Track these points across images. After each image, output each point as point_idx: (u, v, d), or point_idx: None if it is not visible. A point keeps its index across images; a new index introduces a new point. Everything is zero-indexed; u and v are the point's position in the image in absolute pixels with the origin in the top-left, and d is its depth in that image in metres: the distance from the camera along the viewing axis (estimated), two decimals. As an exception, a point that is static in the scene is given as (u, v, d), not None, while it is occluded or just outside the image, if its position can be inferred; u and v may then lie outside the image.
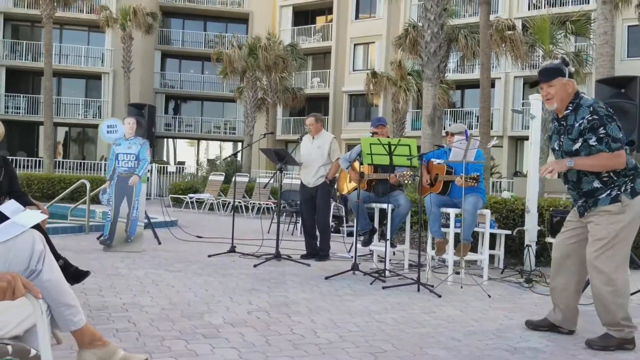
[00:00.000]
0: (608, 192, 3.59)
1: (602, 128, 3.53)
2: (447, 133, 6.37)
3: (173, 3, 34.79)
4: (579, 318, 3.96)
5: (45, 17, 20.85)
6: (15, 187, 4.22)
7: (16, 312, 1.95)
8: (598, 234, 3.59)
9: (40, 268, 2.18)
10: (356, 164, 6.53)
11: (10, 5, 29.91)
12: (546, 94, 3.73)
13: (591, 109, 3.59)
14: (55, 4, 21.11)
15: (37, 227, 3.73)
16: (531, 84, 4.08)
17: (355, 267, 5.96)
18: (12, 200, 3.73)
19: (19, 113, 30.20)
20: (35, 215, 2.51)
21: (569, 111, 3.68)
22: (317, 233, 7.27)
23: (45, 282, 2.18)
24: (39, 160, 23.35)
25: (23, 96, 30.39)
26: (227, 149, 35.58)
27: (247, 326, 3.80)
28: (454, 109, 27.40)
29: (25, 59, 30.55)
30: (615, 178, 3.59)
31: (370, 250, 7.07)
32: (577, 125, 3.61)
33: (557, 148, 3.76)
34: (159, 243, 7.96)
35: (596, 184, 3.63)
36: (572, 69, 3.86)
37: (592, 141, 3.55)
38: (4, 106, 29.85)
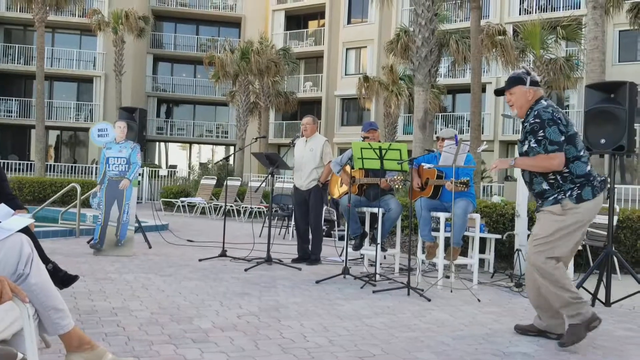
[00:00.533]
0: (555, 195, 3.78)
1: (541, 131, 3.73)
2: (437, 138, 6.41)
3: (165, 7, 34.76)
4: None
5: (38, 21, 20.78)
6: (5, 190, 4.21)
7: (3, 316, 1.95)
8: (537, 231, 3.82)
9: (28, 272, 2.18)
10: (347, 168, 6.55)
11: (3, 9, 29.82)
12: (508, 101, 4.02)
13: (536, 112, 3.81)
14: (48, 8, 21.04)
15: (26, 230, 3.73)
16: (496, 92, 4.34)
17: (346, 271, 5.97)
18: (2, 205, 3.73)
19: (11, 116, 30.06)
20: (22, 220, 2.51)
21: (527, 117, 3.92)
22: (310, 237, 7.28)
23: (32, 285, 2.18)
24: (31, 164, 23.23)
25: (15, 99, 30.25)
26: (219, 152, 35.53)
27: (237, 330, 3.80)
28: (445, 114, 27.51)
29: (17, 62, 30.43)
30: (561, 182, 3.77)
31: (361, 254, 7.09)
32: (525, 127, 3.88)
33: (523, 150, 3.95)
34: (150, 247, 7.94)
35: (544, 186, 3.82)
36: (538, 78, 4.04)
37: (532, 143, 3.78)
38: (-6, 109, 29.72)
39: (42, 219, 9.67)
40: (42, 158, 20.75)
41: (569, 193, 3.74)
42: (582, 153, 3.81)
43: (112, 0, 29.78)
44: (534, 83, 3.95)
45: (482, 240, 7.11)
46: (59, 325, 2.32)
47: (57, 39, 31.43)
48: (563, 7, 25.05)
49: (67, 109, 30.89)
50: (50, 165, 25.45)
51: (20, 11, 27.93)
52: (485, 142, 9.44)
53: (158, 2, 34.82)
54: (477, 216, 6.13)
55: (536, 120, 3.78)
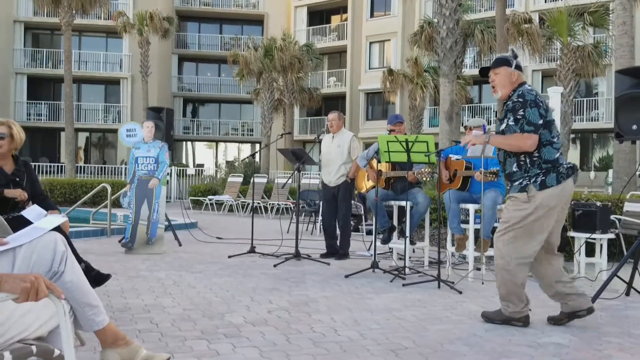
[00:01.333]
0: (520, 180, 3.83)
1: (521, 110, 3.75)
2: (465, 128, 6.33)
3: (189, 7, 35.04)
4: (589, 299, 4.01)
5: (65, 25, 21.12)
6: (37, 190, 4.29)
7: (40, 313, 1.98)
8: (504, 217, 3.92)
9: (63, 269, 2.22)
10: (374, 162, 6.52)
11: (30, 14, 30.39)
12: (492, 80, 4.02)
13: (520, 92, 3.84)
14: (74, 12, 21.37)
15: (60, 230, 3.80)
16: (480, 71, 4.22)
17: (375, 265, 5.95)
18: (35, 206, 3.80)
19: (41, 120, 30.66)
20: (55, 219, 2.55)
21: (509, 97, 3.94)
22: (337, 232, 7.27)
23: (67, 283, 2.22)
24: (61, 166, 23.67)
25: (44, 103, 30.85)
26: (245, 150, 35.73)
27: (268, 325, 3.82)
28: (471, 105, 27.21)
29: (45, 67, 31.00)
30: (529, 166, 3.80)
31: (390, 248, 7.05)
32: (506, 107, 3.89)
33: (501, 128, 3.98)
34: (180, 245, 8.02)
35: (514, 167, 3.86)
36: (522, 64, 4.07)
37: (510, 121, 3.80)
38: (26, 113, 30.32)
39: (73, 220, 9.82)
40: (72, 160, 21.12)
41: (533, 179, 3.77)
42: (555, 139, 3.83)
43: (136, 2, 30.14)
44: (519, 67, 3.99)
45: (513, 232, 7.02)
46: (94, 322, 2.36)
47: (84, 42, 31.93)
48: (590, -8, 24.54)
49: (95, 111, 31.40)
50: (80, 166, 25.93)
51: (47, 16, 28.45)
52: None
53: (182, 3, 35.11)
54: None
55: (519, 99, 3.80)
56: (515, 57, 4.01)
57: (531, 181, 3.77)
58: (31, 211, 3.70)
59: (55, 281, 2.19)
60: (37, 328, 1.98)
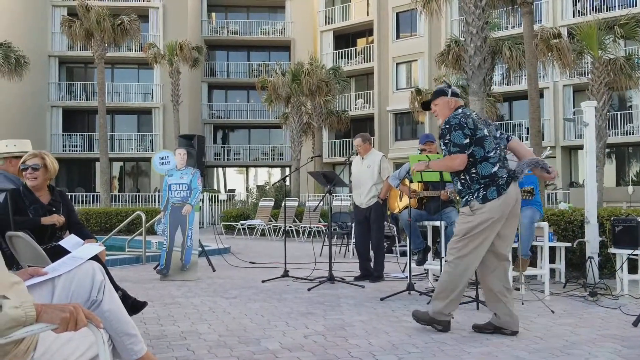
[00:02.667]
0: (466, 196, 4.14)
1: (448, 135, 4.11)
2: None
3: (217, 36, 35.72)
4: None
5: (97, 58, 21.71)
6: (74, 219, 4.35)
7: (79, 343, 1.99)
8: (455, 230, 4.22)
9: (101, 298, 2.23)
10: (406, 182, 6.46)
11: (65, 49, 31.33)
12: (433, 111, 4.45)
13: (447, 119, 4.20)
14: (106, 45, 21.96)
15: (97, 259, 3.83)
16: (422, 105, 4.71)
17: (410, 287, 5.86)
18: (72, 235, 3.85)
19: (76, 151, 31.39)
20: (93, 248, 2.57)
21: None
22: (371, 254, 7.20)
23: (105, 312, 2.22)
24: (96, 195, 24.12)
25: (79, 134, 31.60)
26: (276, 174, 35.93)
27: (304, 350, 3.77)
28: (502, 122, 26.93)
29: (80, 99, 31.83)
30: (470, 182, 4.12)
31: (425, 269, 6.94)
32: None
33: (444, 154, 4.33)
34: (214, 270, 8.04)
35: (459, 186, 4.22)
36: (458, 90, 4.46)
37: (442, 146, 4.21)
38: (61, 145, 31.09)
39: (109, 248, 9.97)
40: (107, 189, 21.51)
41: (475, 194, 4.07)
42: (490, 154, 4.08)
43: (166, 33, 30.85)
44: (455, 94, 4.37)
45: (552, 250, 6.85)
46: (132, 351, 2.35)
47: (116, 73, 32.73)
48: (619, 5, 24.20)
49: (128, 140, 32.02)
50: (115, 195, 26.38)
51: (80, 50, 29.28)
52: (548, 148, 9.16)
53: (210, 32, 35.83)
54: (545, 225, 5.91)
55: (445, 126, 4.16)
56: (449, 86, 4.42)
57: (474, 196, 4.07)
58: (68, 240, 3.75)
59: (93, 310, 2.20)
60: (77, 358, 1.98)
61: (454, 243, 4.15)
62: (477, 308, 5.10)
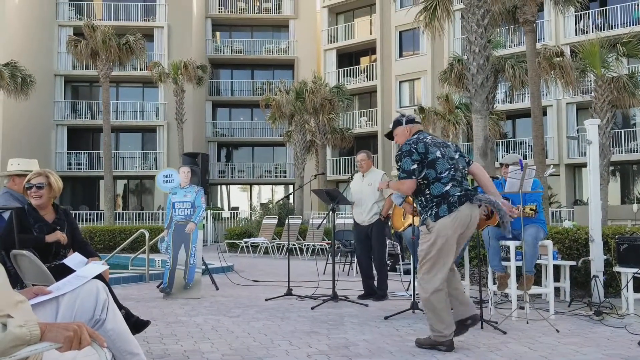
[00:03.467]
0: (423, 215, 4.38)
1: (399, 161, 4.43)
2: (501, 164, 6.25)
3: (221, 55, 36.01)
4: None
5: (102, 77, 21.89)
6: (78, 238, 4.36)
7: (83, 362, 1.99)
8: (418, 251, 4.41)
9: (105, 317, 2.23)
10: (409, 200, 6.45)
11: (70, 68, 31.62)
12: (395, 141, 4.74)
13: (400, 146, 4.53)
14: (111, 64, 22.15)
15: (100, 278, 3.84)
16: (386, 136, 5.03)
17: (414, 306, 5.84)
18: (76, 254, 3.86)
19: (81, 169, 31.51)
20: (97, 267, 2.57)
21: None
22: (374, 272, 7.17)
23: (109, 330, 2.22)
24: (100, 213, 24.16)
25: (84, 152, 31.74)
26: (279, 192, 35.97)
27: (308, 370, 3.75)
28: (506, 140, 26.97)
29: (85, 117, 32.03)
30: (425, 202, 4.38)
31: (429, 288, 6.90)
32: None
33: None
34: (217, 289, 8.02)
35: (418, 207, 4.50)
36: (414, 117, 4.77)
37: (397, 170, 4.48)
38: (66, 163, 31.22)
39: (113, 266, 9.97)
40: (111, 207, 21.54)
41: (429, 212, 4.31)
42: (443, 175, 4.31)
43: (171, 52, 31.12)
44: (410, 121, 4.68)
45: (556, 268, 6.83)
46: (136, 370, 2.35)
47: (121, 92, 32.97)
48: (621, 24, 24.35)
49: (132, 158, 32.15)
50: (119, 213, 26.40)
51: (85, 69, 29.55)
52: (551, 166, 9.16)
53: (214, 51, 36.13)
54: (549, 243, 5.89)
55: (398, 152, 4.48)
56: (403, 116, 4.74)
57: (428, 214, 4.31)
58: (72, 259, 3.76)
59: (97, 329, 2.20)
60: (80, 377, 1.98)
61: (421, 266, 4.35)
62: (482, 327, 5.06)
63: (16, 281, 3.82)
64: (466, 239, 4.50)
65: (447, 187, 4.28)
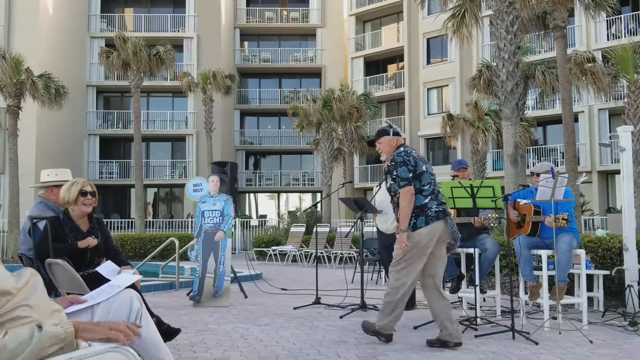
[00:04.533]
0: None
1: (395, 171, 4.74)
2: (532, 173, 6.17)
3: (249, 64, 36.35)
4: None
5: (134, 87, 22.27)
6: (110, 246, 4.45)
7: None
8: (394, 254, 4.75)
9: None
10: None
11: (102, 78, 32.26)
12: (378, 149, 5.06)
13: (393, 157, 4.83)
14: (142, 75, 22.52)
15: (133, 286, 3.89)
16: (368, 144, 4.78)
17: (444, 315, 5.76)
18: (108, 262, 3.93)
19: (112, 177, 32.05)
20: (130, 277, 2.62)
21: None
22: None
23: (142, 339, 2.26)
24: (131, 221, 24.51)
25: (115, 161, 32.29)
26: (307, 200, 36.03)
27: (337, 379, 3.74)
28: (536, 147, 26.59)
29: (116, 127, 32.61)
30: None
31: (459, 298, 6.84)
32: (387, 170, 4.88)
33: (387, 186, 4.93)
34: (245, 297, 8.06)
35: (397, 216, 4.77)
36: (399, 129, 5.09)
37: (390, 180, 4.80)
38: (98, 172, 31.80)
39: (143, 274, 10.07)
40: (142, 215, 21.84)
41: (409, 222, 4.63)
42: (425, 188, 4.71)
43: (200, 62, 31.52)
44: (396, 133, 5.00)
45: (589, 277, 6.70)
46: (167, 378, 2.37)
47: (152, 102, 33.49)
48: (655, 27, 23.86)
49: (162, 167, 32.59)
50: (149, 221, 26.74)
51: (117, 79, 30.10)
52: (584, 174, 9.00)
53: (243, 60, 36.49)
54: (582, 252, 5.78)
55: (392, 162, 4.79)
56: (390, 126, 5.02)
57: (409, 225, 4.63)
58: (105, 267, 3.82)
59: (130, 337, 2.23)
60: (113, 385, 2.01)
61: (392, 267, 4.73)
62: (513, 337, 4.99)
63: (50, 289, 3.90)
64: (442, 253, 4.79)
65: (427, 200, 4.68)
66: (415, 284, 4.85)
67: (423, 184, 4.71)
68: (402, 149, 4.89)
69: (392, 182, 4.78)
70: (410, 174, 4.69)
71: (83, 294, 3.42)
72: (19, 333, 1.69)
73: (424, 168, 4.76)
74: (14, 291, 1.83)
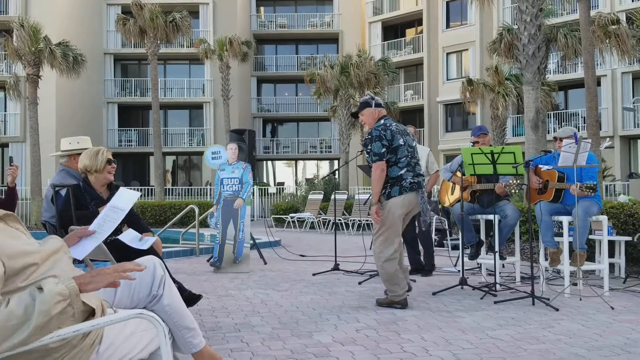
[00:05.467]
0: (381, 194, 4.92)
1: (369, 145, 4.92)
2: (554, 138, 6.07)
3: (265, 30, 35.99)
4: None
5: (151, 55, 22.21)
6: (131, 211, 4.48)
7: (142, 336, 2.05)
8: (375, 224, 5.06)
9: (162, 293, 2.29)
10: (458, 174, 6.36)
11: (119, 46, 32.23)
12: (361, 121, 5.23)
13: (370, 131, 4.99)
14: (159, 42, 22.44)
15: (154, 252, 3.94)
16: (352, 115, 5.55)
17: (463, 282, 5.78)
18: (130, 230, 3.97)
19: (131, 145, 32.28)
20: (132, 196, 2.55)
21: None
22: (420, 247, 7.14)
23: (166, 306, 2.28)
24: (151, 189, 24.77)
25: (134, 129, 32.48)
26: (324, 167, 36.02)
27: (357, 345, 3.78)
28: (557, 112, 26.16)
29: (134, 95, 32.69)
30: (385, 184, 4.92)
31: (478, 264, 6.84)
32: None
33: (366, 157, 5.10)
34: (265, 263, 8.15)
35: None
36: (381, 101, 5.24)
37: (366, 153, 5.02)
38: (117, 140, 32.04)
39: (164, 240, 10.18)
40: (161, 183, 22.02)
41: (384, 192, 4.89)
42: (401, 159, 4.90)
43: (216, 29, 31.28)
44: (378, 105, 5.14)
45: (611, 244, 6.64)
46: (192, 344, 2.41)
47: (169, 69, 33.44)
48: (683, -13, 23.10)
49: (181, 135, 32.71)
50: (168, 189, 26.99)
51: (134, 47, 30.04)
52: (608, 139, 8.85)
53: (259, 26, 36.14)
54: (603, 218, 5.71)
55: (368, 136, 4.98)
56: (373, 98, 5.16)
57: (384, 194, 4.88)
58: (127, 235, 3.86)
59: (154, 305, 2.26)
60: (139, 351, 2.04)
61: (376, 237, 4.97)
62: (533, 304, 4.99)
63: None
64: (409, 219, 5.19)
65: (402, 172, 4.89)
66: (400, 248, 5.02)
67: (399, 156, 4.89)
68: (382, 121, 5.02)
69: (367, 156, 5.00)
70: (384, 149, 4.86)
71: (107, 261, 3.47)
72: (21, 297, 1.70)
73: (400, 141, 4.91)
74: (40, 261, 1.85)
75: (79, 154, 4.66)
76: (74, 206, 4.16)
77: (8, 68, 27.44)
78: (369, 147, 4.89)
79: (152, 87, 22.38)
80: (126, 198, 2.48)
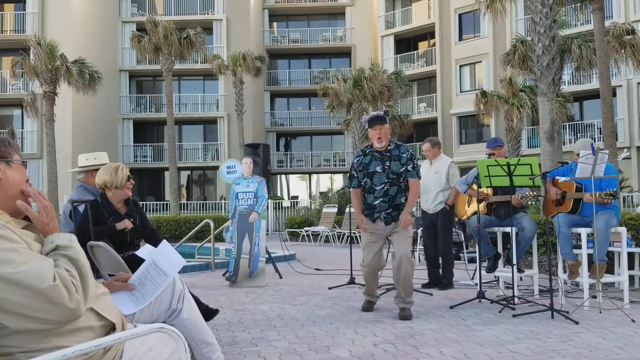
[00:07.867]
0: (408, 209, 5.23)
1: (416, 160, 5.28)
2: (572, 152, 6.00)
3: (278, 45, 36.26)
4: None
5: (165, 71, 22.46)
6: (147, 226, 4.52)
7: (162, 350, 2.05)
8: (407, 233, 5.25)
9: (181, 307, 2.29)
10: (474, 187, 6.32)
11: (134, 63, 32.62)
12: (379, 134, 5.22)
13: (403, 148, 5.32)
14: (174, 58, 22.69)
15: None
16: (385, 112, 5.50)
17: (481, 295, 5.72)
18: (147, 245, 3.98)
19: (146, 161, 32.54)
20: (177, 263, 2.55)
21: (392, 147, 5.31)
22: (440, 261, 7.08)
23: (185, 320, 2.29)
24: (166, 204, 24.91)
25: (149, 145, 32.75)
26: (338, 180, 36.01)
27: (375, 359, 3.75)
28: (573, 122, 25.99)
29: (149, 111, 33.01)
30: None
31: (496, 277, 6.77)
32: (404, 156, 5.25)
33: (379, 170, 5.25)
34: (280, 277, 8.13)
35: (402, 199, 5.27)
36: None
37: (410, 167, 5.23)
38: (132, 155, 32.32)
39: (180, 255, 10.25)
40: (176, 197, 22.15)
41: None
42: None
43: (230, 44, 31.57)
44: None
45: (630, 256, 6.55)
46: (210, 359, 2.41)
47: (183, 85, 33.74)
48: (698, -4, 22.93)
49: (195, 150, 32.93)
50: (183, 203, 27.12)
51: (149, 63, 30.39)
52: (625, 150, 8.77)
53: (272, 41, 36.41)
54: (622, 229, 5.64)
55: (409, 151, 5.29)
56: (388, 115, 5.42)
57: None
58: (144, 250, 3.88)
59: (173, 319, 2.27)
60: (159, 365, 2.05)
61: (410, 239, 5.37)
62: (552, 317, 4.92)
63: (93, 272, 3.98)
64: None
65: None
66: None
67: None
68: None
69: (412, 170, 5.23)
70: None
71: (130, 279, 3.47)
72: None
73: None
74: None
75: (97, 170, 4.71)
76: (93, 221, 4.19)
77: (25, 86, 27.86)
78: (416, 162, 5.27)
79: (167, 102, 22.61)
80: (172, 262, 2.44)
